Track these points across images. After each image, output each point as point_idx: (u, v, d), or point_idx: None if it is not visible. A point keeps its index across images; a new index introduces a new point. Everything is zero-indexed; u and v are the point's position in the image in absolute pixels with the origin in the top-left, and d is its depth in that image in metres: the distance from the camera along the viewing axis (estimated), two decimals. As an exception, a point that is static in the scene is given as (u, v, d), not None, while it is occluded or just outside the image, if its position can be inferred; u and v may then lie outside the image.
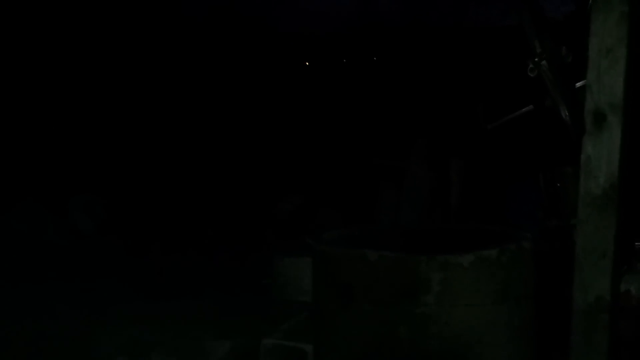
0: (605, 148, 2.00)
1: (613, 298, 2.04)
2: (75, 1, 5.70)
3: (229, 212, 5.68)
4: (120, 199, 5.67)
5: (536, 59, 2.71)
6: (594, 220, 2.01)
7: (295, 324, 3.55)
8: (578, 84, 2.62)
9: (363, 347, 2.78)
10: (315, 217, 5.48)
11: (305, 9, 4.90)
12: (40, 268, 4.75)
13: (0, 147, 5.57)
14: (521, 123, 3.64)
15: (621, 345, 2.46)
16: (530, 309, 2.86)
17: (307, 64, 6.50)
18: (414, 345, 2.71)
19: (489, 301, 2.76)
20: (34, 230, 5.33)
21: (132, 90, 6.05)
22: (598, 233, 2.01)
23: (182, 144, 5.99)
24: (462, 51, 4.14)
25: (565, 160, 3.21)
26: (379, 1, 4.59)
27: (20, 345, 3.73)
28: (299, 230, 4.86)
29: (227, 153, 5.86)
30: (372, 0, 4.62)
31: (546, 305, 2.78)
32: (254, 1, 5.18)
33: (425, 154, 4.36)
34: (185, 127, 6.05)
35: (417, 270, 2.74)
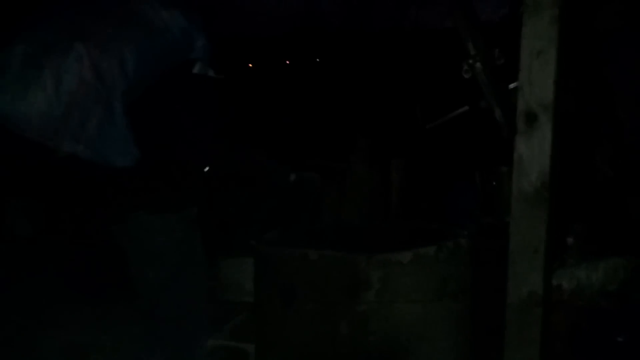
0: (536, 147, 2.05)
1: (545, 292, 2.10)
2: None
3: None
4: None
5: (470, 61, 2.78)
6: (526, 217, 2.07)
7: (238, 325, 3.56)
8: (511, 86, 2.70)
9: (305, 346, 2.81)
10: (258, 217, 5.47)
11: (249, 12, 4.90)
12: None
13: None
14: (458, 123, 3.71)
15: (554, 338, 2.54)
16: (467, 304, 2.93)
17: (250, 66, 6.48)
18: (355, 342, 2.75)
19: (427, 297, 2.82)
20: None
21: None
22: (530, 229, 2.06)
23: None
24: (402, 53, 4.20)
25: (500, 159, 3.29)
26: (321, 3, 4.62)
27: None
28: (242, 231, 4.84)
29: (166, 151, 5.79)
30: (313, 1, 4.65)
31: (482, 300, 2.86)
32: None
33: (366, 154, 4.40)
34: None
35: (358, 269, 2.78)
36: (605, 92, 3.36)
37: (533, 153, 2.02)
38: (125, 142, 1.93)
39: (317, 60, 5.56)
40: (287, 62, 6.07)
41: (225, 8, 4.27)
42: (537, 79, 2.02)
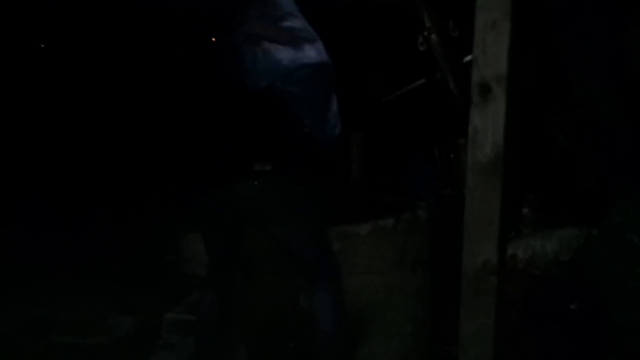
0: (491, 119, 2.05)
1: (500, 262, 2.12)
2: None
3: (132, 187, 5.57)
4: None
5: (425, 33, 2.78)
6: (480, 188, 2.07)
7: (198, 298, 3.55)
8: (466, 58, 2.71)
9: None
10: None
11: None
12: None
13: None
14: (416, 96, 3.72)
15: (508, 305, 2.59)
16: (425, 273, 2.97)
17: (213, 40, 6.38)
18: (315, 314, 2.76)
19: (386, 268, 2.85)
20: None
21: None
22: (485, 200, 2.07)
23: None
24: (360, 27, 4.18)
25: (459, 131, 3.31)
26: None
27: None
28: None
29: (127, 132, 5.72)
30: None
31: (440, 269, 2.89)
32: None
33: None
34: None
35: (317, 241, 2.79)
36: (560, 65, 3.40)
37: (487, 125, 2.03)
38: None
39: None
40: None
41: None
42: (491, 51, 2.02)
